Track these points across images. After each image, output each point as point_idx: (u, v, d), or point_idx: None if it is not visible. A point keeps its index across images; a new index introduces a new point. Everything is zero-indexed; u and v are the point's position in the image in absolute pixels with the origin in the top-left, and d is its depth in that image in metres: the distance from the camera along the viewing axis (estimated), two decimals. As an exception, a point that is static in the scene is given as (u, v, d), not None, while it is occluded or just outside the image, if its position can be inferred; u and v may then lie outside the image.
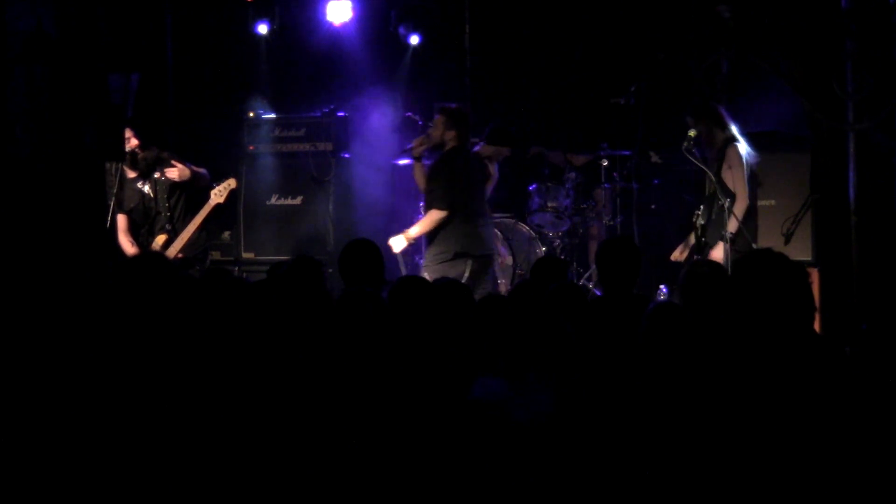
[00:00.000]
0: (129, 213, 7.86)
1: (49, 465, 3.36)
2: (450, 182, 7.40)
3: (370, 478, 3.35)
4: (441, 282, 5.28)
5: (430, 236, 7.41)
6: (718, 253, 7.03)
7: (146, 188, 7.82)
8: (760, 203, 7.70)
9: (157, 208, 7.81)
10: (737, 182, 7.20)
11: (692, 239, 7.26)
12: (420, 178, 7.77)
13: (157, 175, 7.80)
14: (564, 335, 3.94)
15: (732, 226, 7.07)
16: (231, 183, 7.84)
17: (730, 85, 8.54)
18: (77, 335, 3.87)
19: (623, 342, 4.36)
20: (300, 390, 3.65)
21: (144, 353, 3.65)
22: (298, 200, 9.43)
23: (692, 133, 7.23)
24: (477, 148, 8.49)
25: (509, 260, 9.17)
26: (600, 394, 3.66)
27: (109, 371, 3.59)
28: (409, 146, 7.76)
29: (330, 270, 7.85)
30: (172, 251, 7.62)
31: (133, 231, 7.87)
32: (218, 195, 7.82)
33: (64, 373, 3.60)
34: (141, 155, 7.73)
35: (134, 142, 7.68)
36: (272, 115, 9.59)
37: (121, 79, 9.15)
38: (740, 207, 7.17)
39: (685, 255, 7.43)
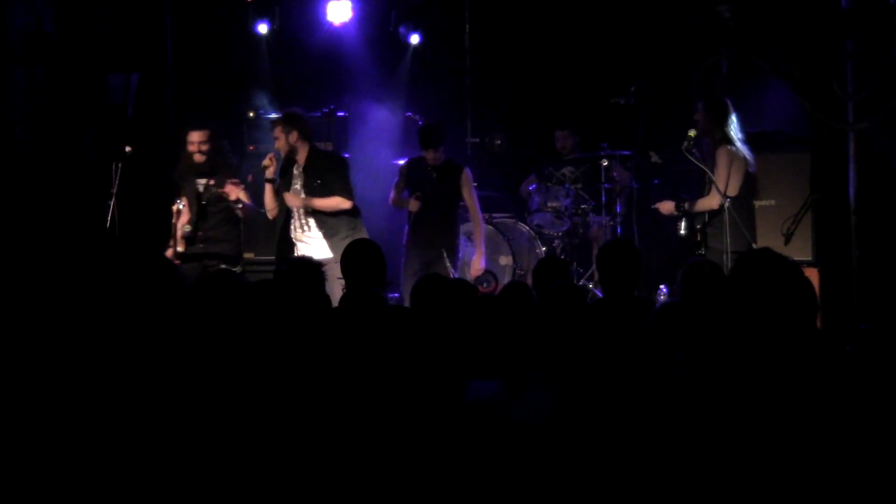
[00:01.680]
0: (184, 195, 7.98)
1: (49, 464, 3.36)
2: (348, 177, 7.96)
3: (370, 478, 3.36)
4: (446, 282, 5.28)
5: (327, 219, 7.83)
6: (712, 202, 7.29)
7: (200, 186, 7.90)
8: (760, 203, 7.71)
9: (199, 207, 7.92)
10: (717, 181, 7.23)
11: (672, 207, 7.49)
12: (270, 200, 7.93)
13: (210, 181, 7.91)
14: (565, 333, 3.94)
15: (698, 206, 7.24)
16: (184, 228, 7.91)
17: (730, 85, 8.54)
18: (77, 335, 3.87)
19: (623, 343, 4.36)
20: (299, 390, 3.65)
21: (145, 352, 3.65)
22: (299, 200, 9.42)
23: (692, 133, 7.25)
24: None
25: (509, 260, 9.18)
26: (601, 395, 3.66)
27: (110, 371, 3.59)
28: (265, 174, 7.89)
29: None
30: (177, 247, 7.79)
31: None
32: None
33: (64, 372, 3.60)
34: (205, 158, 7.87)
35: (205, 147, 7.86)
36: (272, 115, 9.59)
37: (121, 79, 9.17)
38: (709, 203, 7.31)
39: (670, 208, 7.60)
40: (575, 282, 9.18)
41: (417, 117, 9.82)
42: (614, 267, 5.13)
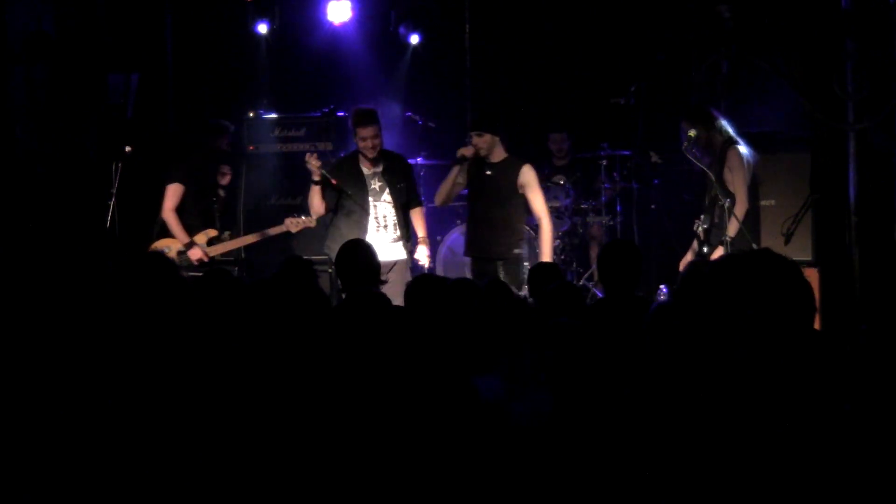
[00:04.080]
0: (189, 190, 7.90)
1: (49, 464, 3.36)
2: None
3: (369, 478, 3.36)
4: (452, 281, 5.28)
5: (406, 223, 7.65)
6: (741, 209, 7.05)
7: (222, 189, 7.88)
8: (761, 203, 7.69)
9: (219, 208, 7.90)
10: (736, 185, 7.17)
11: (696, 246, 7.24)
12: (318, 202, 7.59)
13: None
14: (565, 333, 3.93)
15: (732, 229, 7.05)
16: (309, 221, 7.78)
17: (730, 85, 8.54)
18: (77, 334, 3.87)
19: (623, 343, 4.36)
20: (299, 390, 3.65)
21: (144, 352, 3.65)
22: (298, 200, 9.42)
23: (692, 133, 7.20)
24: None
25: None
26: (601, 394, 3.66)
27: (109, 370, 3.59)
28: (313, 177, 7.45)
29: (330, 270, 7.86)
30: (214, 251, 7.80)
31: (181, 208, 7.94)
32: (293, 224, 7.83)
33: (63, 372, 3.60)
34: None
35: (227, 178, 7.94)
36: (272, 115, 9.59)
37: (121, 79, 9.17)
38: (740, 210, 7.14)
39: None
40: (574, 282, 9.20)
41: (417, 117, 9.82)
42: (615, 267, 5.13)
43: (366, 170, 7.60)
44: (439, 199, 7.69)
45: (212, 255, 7.74)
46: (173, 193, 7.90)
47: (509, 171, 7.39)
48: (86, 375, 3.58)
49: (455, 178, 7.50)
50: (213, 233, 7.87)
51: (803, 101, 7.37)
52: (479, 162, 7.45)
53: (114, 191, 7.79)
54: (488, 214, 7.44)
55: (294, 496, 3.36)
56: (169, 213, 7.89)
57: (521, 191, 7.38)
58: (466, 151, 7.40)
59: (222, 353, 3.79)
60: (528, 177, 7.37)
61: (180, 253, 7.80)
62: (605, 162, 9.58)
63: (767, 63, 7.57)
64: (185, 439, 3.42)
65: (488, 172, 7.43)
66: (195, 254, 7.75)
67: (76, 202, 8.51)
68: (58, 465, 3.36)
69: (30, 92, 8.64)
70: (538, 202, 7.41)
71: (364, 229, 7.50)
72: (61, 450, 3.39)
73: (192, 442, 3.42)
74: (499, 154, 7.42)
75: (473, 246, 7.59)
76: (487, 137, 7.35)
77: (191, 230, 7.89)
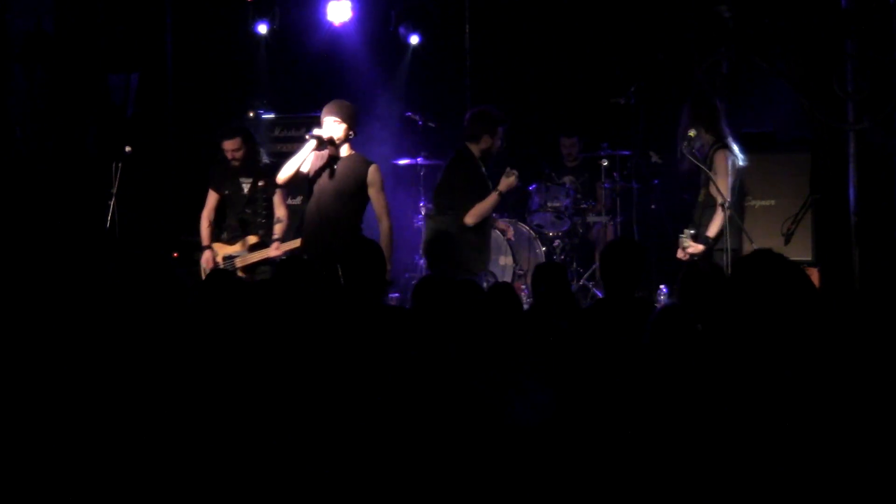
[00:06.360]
0: (221, 196, 7.87)
1: (49, 464, 3.36)
2: None
3: (369, 478, 3.36)
4: (458, 282, 5.28)
5: None
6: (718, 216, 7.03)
7: (245, 187, 7.81)
8: (761, 203, 7.69)
9: (251, 210, 7.83)
10: (720, 186, 7.11)
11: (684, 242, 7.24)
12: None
13: (260, 183, 7.77)
14: (559, 333, 3.94)
15: (714, 228, 7.05)
16: (295, 243, 7.61)
17: (730, 85, 8.54)
18: (77, 335, 3.87)
19: (623, 344, 4.36)
20: (298, 390, 3.65)
21: (144, 352, 3.65)
22: (298, 200, 9.42)
23: (692, 133, 7.18)
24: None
25: (509, 260, 9.18)
26: (600, 395, 3.66)
27: (109, 370, 3.59)
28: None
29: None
30: (252, 258, 7.72)
31: (217, 214, 7.91)
32: (277, 248, 7.71)
33: (63, 372, 3.60)
34: (242, 154, 7.77)
35: (239, 154, 7.73)
36: (272, 115, 9.59)
37: (121, 79, 9.19)
38: (719, 218, 7.06)
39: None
40: (574, 282, 9.20)
41: (417, 117, 9.82)
42: (616, 267, 5.11)
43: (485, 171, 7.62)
44: (284, 176, 6.98)
45: (251, 261, 7.65)
46: (208, 197, 7.91)
47: (356, 169, 6.99)
48: (86, 375, 3.58)
49: (307, 156, 6.95)
50: (253, 239, 7.79)
51: (803, 100, 7.37)
52: (330, 157, 7.01)
53: (114, 191, 7.79)
54: (330, 212, 6.95)
55: (294, 495, 3.36)
56: (202, 217, 7.89)
57: (366, 190, 6.97)
58: (324, 134, 6.96)
59: (224, 353, 3.79)
60: (374, 177, 6.99)
61: (226, 258, 7.79)
62: (605, 162, 9.59)
63: (767, 63, 7.57)
64: (186, 440, 3.42)
65: (335, 167, 7.00)
66: (203, 258, 7.74)
67: (76, 202, 8.52)
68: (59, 466, 3.36)
69: (30, 92, 8.65)
70: (380, 203, 7.01)
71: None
72: (62, 450, 3.39)
73: (192, 443, 3.42)
74: (347, 149, 7.05)
75: (312, 245, 6.96)
76: (345, 128, 6.98)
77: (232, 233, 7.83)
